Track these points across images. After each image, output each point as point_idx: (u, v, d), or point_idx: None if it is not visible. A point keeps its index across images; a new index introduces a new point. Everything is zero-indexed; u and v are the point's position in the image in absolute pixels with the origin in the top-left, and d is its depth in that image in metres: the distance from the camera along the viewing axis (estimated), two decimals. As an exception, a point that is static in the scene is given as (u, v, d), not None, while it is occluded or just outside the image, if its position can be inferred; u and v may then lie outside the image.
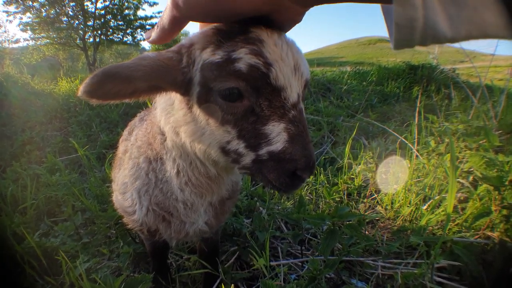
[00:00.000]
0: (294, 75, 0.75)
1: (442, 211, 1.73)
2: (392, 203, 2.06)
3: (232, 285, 1.23)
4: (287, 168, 0.74)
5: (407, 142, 2.39)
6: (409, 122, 3.33)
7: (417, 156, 2.29)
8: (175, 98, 0.87)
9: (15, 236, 1.74)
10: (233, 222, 1.90)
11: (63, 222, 2.01)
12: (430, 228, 1.73)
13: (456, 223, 1.69)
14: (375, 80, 6.10)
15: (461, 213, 1.78)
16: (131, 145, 1.17)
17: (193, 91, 0.80)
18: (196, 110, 0.80)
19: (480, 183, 1.66)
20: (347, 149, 2.49)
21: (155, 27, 0.80)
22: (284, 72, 0.73)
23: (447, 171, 1.88)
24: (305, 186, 2.36)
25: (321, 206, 2.15)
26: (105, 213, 1.98)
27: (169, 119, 0.91)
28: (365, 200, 2.13)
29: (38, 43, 20.67)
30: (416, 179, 2.07)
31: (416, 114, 2.47)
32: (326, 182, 2.35)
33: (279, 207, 2.20)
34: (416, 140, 2.40)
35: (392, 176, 2.23)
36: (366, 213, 2.04)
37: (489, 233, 1.53)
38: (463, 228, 1.64)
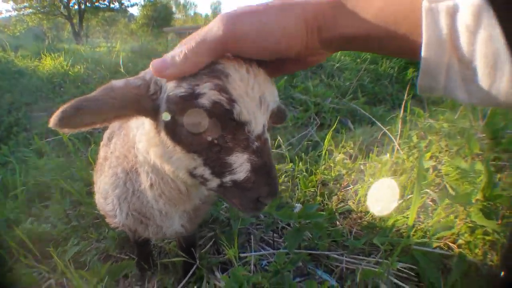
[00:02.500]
0: (260, 108, 0.76)
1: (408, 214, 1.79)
2: (365, 195, 2.13)
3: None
4: (249, 196, 0.78)
5: (390, 134, 2.40)
6: (398, 107, 3.28)
7: (398, 150, 2.32)
8: (145, 119, 0.89)
9: (9, 222, 1.86)
10: (210, 210, 2.00)
11: (53, 205, 2.11)
12: (397, 227, 1.79)
13: (422, 226, 1.74)
14: (369, 58, 5.80)
15: (431, 215, 1.82)
16: (111, 153, 1.21)
17: (160, 118, 0.81)
18: (164, 135, 0.82)
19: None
20: (328, 136, 2.50)
21: (176, 54, 0.69)
22: (249, 107, 0.73)
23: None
24: (283, 174, 2.43)
25: (297, 195, 2.23)
26: (91, 199, 2.07)
27: (141, 137, 0.94)
28: (338, 193, 2.21)
29: (21, 13, 19.35)
30: (392, 176, 2.11)
31: (402, 107, 2.44)
32: (304, 171, 2.42)
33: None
34: (399, 133, 2.40)
35: (369, 169, 2.29)
36: (338, 206, 2.13)
37: (451, 244, 1.58)
38: (427, 233, 1.68)
